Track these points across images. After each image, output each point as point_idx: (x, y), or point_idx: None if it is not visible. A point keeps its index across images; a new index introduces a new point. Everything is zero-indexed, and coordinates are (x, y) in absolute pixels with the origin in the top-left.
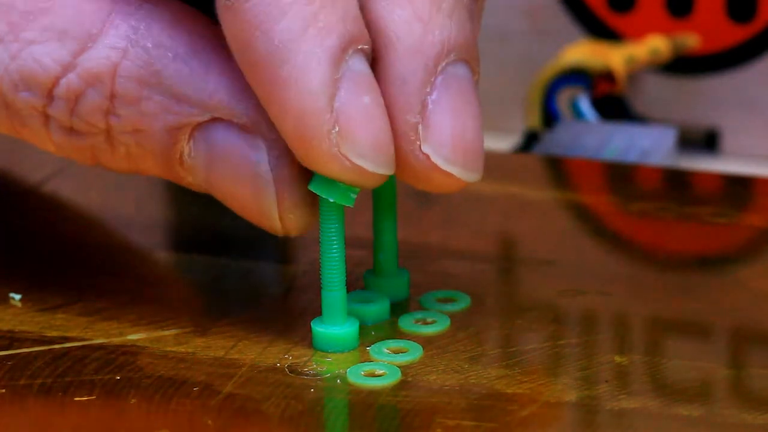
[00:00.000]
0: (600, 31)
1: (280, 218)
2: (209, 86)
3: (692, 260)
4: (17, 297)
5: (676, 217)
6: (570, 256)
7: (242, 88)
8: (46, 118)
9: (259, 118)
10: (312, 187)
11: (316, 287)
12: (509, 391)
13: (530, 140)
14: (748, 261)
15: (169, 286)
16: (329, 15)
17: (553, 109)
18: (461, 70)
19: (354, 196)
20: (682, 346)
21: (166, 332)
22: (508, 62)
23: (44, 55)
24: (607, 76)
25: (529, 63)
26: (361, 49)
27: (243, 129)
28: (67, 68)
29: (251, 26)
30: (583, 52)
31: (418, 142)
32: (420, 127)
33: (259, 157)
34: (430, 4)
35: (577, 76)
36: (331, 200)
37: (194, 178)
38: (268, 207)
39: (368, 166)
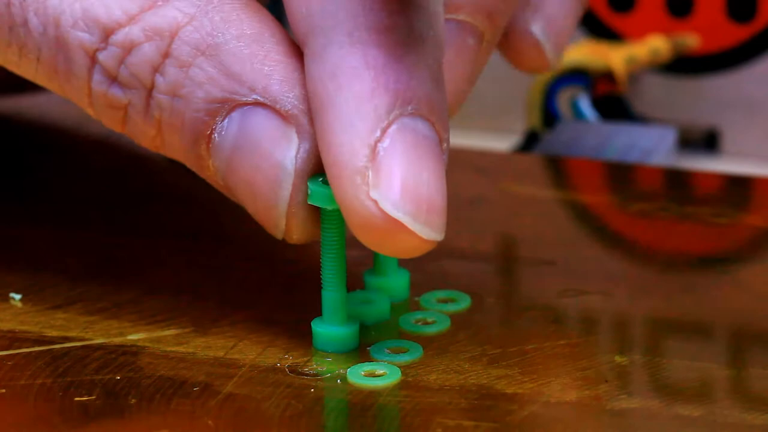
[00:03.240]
0: (600, 31)
1: (287, 216)
2: (264, 70)
3: (692, 260)
4: (17, 297)
5: (676, 217)
6: (570, 256)
7: (294, 81)
8: (93, 62)
9: (301, 112)
10: (311, 200)
11: (316, 287)
12: (509, 391)
13: (530, 140)
14: (748, 261)
15: (170, 286)
16: (400, 67)
17: (553, 109)
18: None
19: None
20: (682, 346)
21: (166, 332)
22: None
23: (114, 1)
24: (607, 76)
25: None
26: (416, 110)
27: (282, 117)
28: (132, 19)
29: (321, 75)
30: (583, 52)
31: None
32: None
33: (288, 148)
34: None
35: (577, 76)
36: (329, 208)
37: (215, 160)
38: (281, 200)
39: (391, 223)
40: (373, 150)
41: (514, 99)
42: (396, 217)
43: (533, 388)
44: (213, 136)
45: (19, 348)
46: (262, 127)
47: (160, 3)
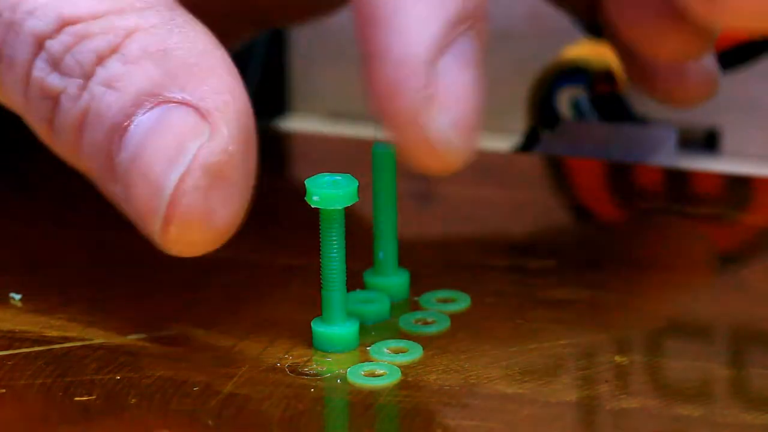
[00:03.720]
0: (600, 31)
1: (171, 203)
2: (200, 76)
3: (692, 260)
4: (17, 297)
5: (676, 217)
6: (570, 256)
7: (225, 91)
8: (39, 49)
9: (222, 116)
10: (311, 202)
11: (316, 287)
12: (509, 391)
13: (530, 140)
14: (748, 261)
15: (170, 286)
16: None
17: (553, 109)
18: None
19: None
20: (682, 346)
21: (166, 332)
22: (508, 62)
23: (83, 1)
24: (607, 75)
25: (529, 63)
26: (474, 29)
27: (201, 116)
28: (95, 17)
29: None
30: (583, 52)
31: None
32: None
33: (196, 139)
34: None
35: (577, 75)
36: (330, 208)
37: (122, 152)
38: (169, 182)
39: (443, 141)
40: (433, 68)
41: (513, 99)
42: (451, 137)
43: (533, 388)
44: (129, 127)
45: (19, 348)
46: (179, 120)
47: (127, 9)
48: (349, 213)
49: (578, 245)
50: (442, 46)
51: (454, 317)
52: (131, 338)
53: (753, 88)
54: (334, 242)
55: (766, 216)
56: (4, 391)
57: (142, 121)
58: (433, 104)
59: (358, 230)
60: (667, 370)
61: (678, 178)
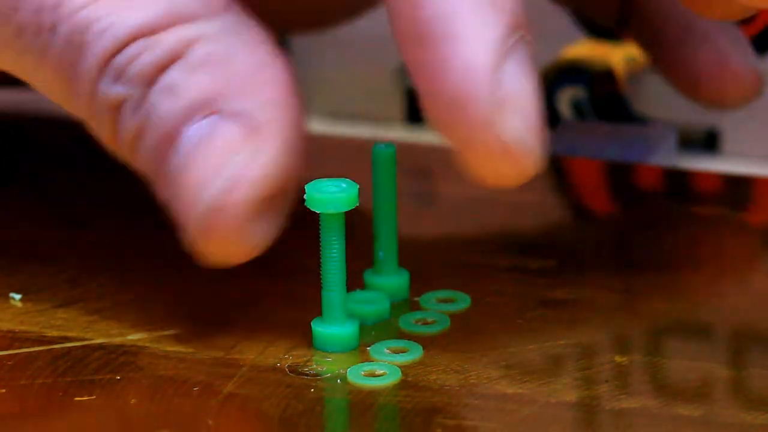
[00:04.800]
0: (600, 31)
1: (211, 214)
2: (256, 87)
3: (692, 260)
4: (17, 297)
5: (676, 218)
6: (570, 256)
7: (279, 105)
8: (107, 64)
9: (274, 131)
10: (311, 206)
11: (316, 287)
12: (509, 391)
13: None
14: (748, 261)
15: (170, 286)
16: None
17: (553, 109)
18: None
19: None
20: (682, 346)
21: (166, 332)
22: None
23: (145, 15)
24: (608, 75)
25: None
26: (524, 37)
27: (252, 130)
28: (158, 31)
29: None
30: (583, 52)
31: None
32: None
33: (243, 152)
34: None
35: (577, 75)
36: (328, 212)
37: (174, 159)
38: (212, 191)
39: (517, 149)
40: (498, 74)
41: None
42: (526, 139)
43: (533, 388)
44: (181, 136)
45: (19, 348)
46: (227, 132)
47: (190, 19)
48: (349, 212)
49: (578, 245)
50: (504, 53)
51: (454, 317)
52: (131, 338)
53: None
54: (335, 244)
55: (766, 216)
56: (4, 391)
57: (194, 130)
58: (505, 108)
59: (358, 230)
60: (667, 370)
61: (678, 178)
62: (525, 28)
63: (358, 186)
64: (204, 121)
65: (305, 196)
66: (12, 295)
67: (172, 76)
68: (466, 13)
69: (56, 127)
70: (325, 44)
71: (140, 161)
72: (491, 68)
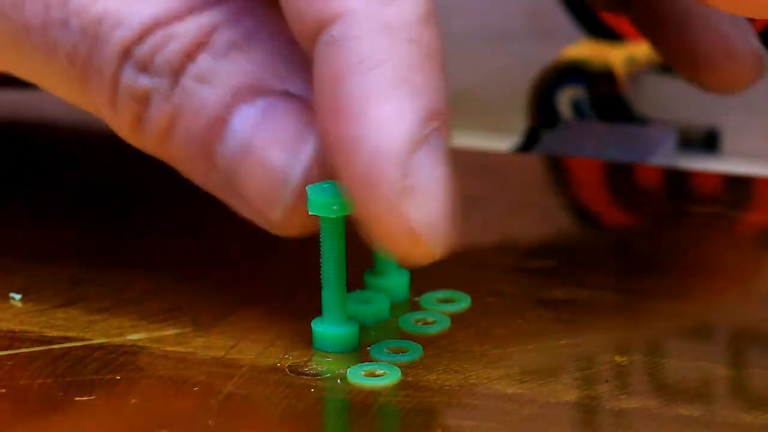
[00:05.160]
0: (600, 31)
1: (288, 214)
2: (294, 65)
3: (692, 260)
4: (17, 297)
5: (676, 217)
6: (570, 256)
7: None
8: (128, 56)
9: (320, 111)
10: (311, 210)
11: (316, 287)
12: (509, 391)
13: (530, 140)
14: (748, 261)
15: (170, 286)
16: (425, 78)
17: (553, 109)
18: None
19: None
20: (682, 346)
21: (166, 332)
22: (508, 62)
23: (160, 4)
24: (607, 76)
25: (529, 63)
26: (440, 127)
27: (307, 113)
28: (176, 19)
29: (348, 65)
30: (583, 52)
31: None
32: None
33: (301, 151)
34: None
35: (577, 75)
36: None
37: (224, 150)
38: (283, 200)
39: (423, 235)
40: (409, 162)
41: (513, 99)
42: (433, 226)
43: (533, 388)
44: (231, 119)
45: (19, 348)
46: (291, 112)
47: (208, 6)
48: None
49: (578, 245)
50: (417, 141)
51: (454, 317)
52: (131, 338)
53: (753, 88)
54: (335, 245)
55: (766, 216)
56: (4, 391)
57: (247, 113)
58: (412, 195)
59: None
60: (667, 370)
61: (678, 178)
62: (443, 116)
63: None
64: (257, 103)
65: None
66: (12, 295)
67: (204, 62)
68: (383, 97)
69: (57, 127)
70: None
71: (174, 150)
72: (401, 155)
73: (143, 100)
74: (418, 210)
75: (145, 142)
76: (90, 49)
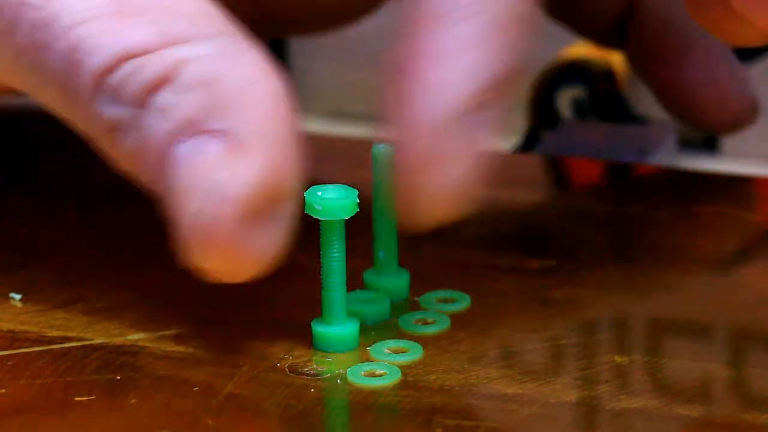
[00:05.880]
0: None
1: (202, 248)
2: (246, 107)
3: (692, 260)
4: (17, 297)
5: (676, 217)
6: (570, 256)
7: (268, 121)
8: (101, 84)
9: (261, 147)
10: (310, 212)
11: (316, 287)
12: (509, 391)
13: (531, 140)
14: (748, 261)
15: (170, 287)
16: (503, 42)
17: (553, 109)
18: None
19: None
20: (682, 346)
21: (166, 332)
22: None
23: (137, 34)
24: (608, 75)
25: (529, 63)
26: (497, 96)
27: (239, 147)
28: (150, 52)
29: (435, 14)
30: (583, 51)
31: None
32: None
33: (232, 168)
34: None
35: (577, 75)
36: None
37: (168, 178)
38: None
39: (444, 197)
40: (452, 127)
41: (513, 99)
42: (449, 194)
43: (533, 388)
44: (170, 155)
45: (19, 348)
46: (211, 151)
47: (181, 40)
48: None
49: (578, 245)
50: (470, 108)
51: (454, 317)
52: (131, 338)
53: (753, 88)
54: (335, 246)
55: (766, 216)
56: (4, 391)
57: (182, 149)
58: (444, 160)
59: (358, 230)
60: (667, 370)
61: (678, 178)
62: (507, 83)
63: (357, 192)
64: (190, 141)
65: (305, 204)
66: (12, 295)
67: (164, 97)
68: (458, 52)
69: (57, 127)
70: (324, 44)
71: (142, 180)
72: (450, 119)
73: (114, 130)
74: (445, 173)
75: (126, 171)
76: (70, 74)
